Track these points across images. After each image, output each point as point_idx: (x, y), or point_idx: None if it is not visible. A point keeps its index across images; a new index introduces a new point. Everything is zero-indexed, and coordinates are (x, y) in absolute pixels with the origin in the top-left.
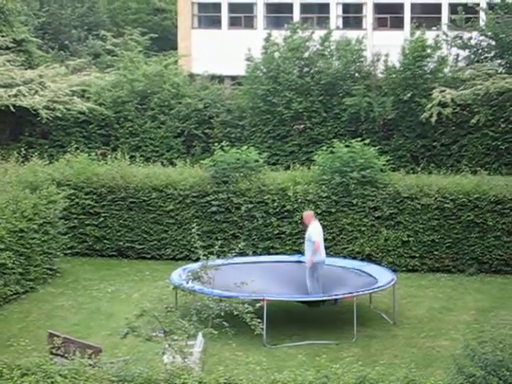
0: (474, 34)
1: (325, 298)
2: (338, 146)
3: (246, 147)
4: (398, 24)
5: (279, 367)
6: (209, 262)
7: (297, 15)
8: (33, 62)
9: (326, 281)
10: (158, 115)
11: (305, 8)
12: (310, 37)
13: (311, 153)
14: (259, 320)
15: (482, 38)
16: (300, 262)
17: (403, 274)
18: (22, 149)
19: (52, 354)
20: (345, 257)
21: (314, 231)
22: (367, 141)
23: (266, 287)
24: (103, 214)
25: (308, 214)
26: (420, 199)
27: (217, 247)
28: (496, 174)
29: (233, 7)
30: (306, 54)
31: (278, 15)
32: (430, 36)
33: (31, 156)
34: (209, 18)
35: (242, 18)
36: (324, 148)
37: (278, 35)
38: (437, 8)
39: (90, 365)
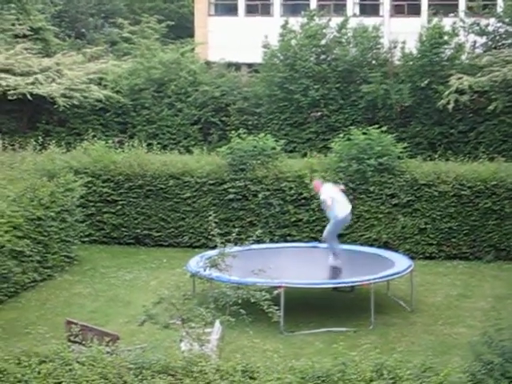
0: (492, 20)
1: (346, 285)
2: (355, 134)
3: (262, 135)
4: (415, 11)
5: (296, 355)
6: (226, 249)
7: (313, 2)
8: (50, 50)
9: (343, 267)
10: (175, 103)
11: None
12: (326, 24)
13: (328, 140)
14: (276, 307)
15: (499, 24)
16: (317, 247)
17: (420, 261)
18: (40, 137)
19: (70, 341)
20: (362, 244)
21: (325, 193)
22: (384, 128)
23: (284, 274)
24: (120, 202)
25: (316, 183)
26: (437, 186)
27: (234, 235)
28: None
29: None
30: (323, 42)
31: (295, 2)
32: (447, 23)
33: (48, 144)
34: (225, 5)
35: (258, 5)
36: (341, 135)
37: (295, 22)
38: None
39: (108, 352)
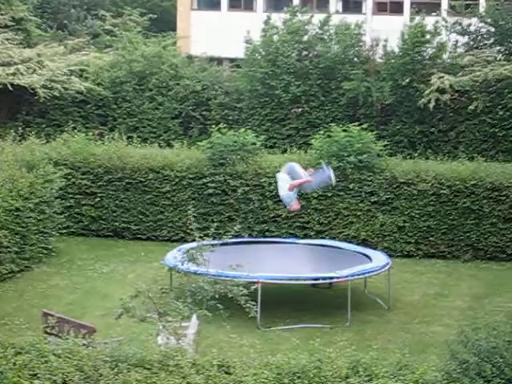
0: (474, 20)
1: (323, 282)
2: (335, 131)
3: (243, 130)
4: (397, 9)
5: (273, 350)
6: (204, 243)
7: None
8: (31, 41)
9: (321, 263)
10: (156, 96)
11: None
12: (309, 20)
13: (308, 136)
14: (253, 303)
15: (481, 24)
16: (295, 243)
17: (398, 259)
18: (19, 128)
19: (46, 333)
20: (340, 241)
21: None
22: (365, 125)
23: (261, 269)
24: (99, 194)
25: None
26: (416, 185)
27: (212, 229)
28: (493, 161)
29: None
30: (305, 38)
31: None
32: (429, 22)
33: (28, 135)
34: None
35: (241, 0)
36: (321, 132)
37: (278, 18)
38: None
39: (84, 344)
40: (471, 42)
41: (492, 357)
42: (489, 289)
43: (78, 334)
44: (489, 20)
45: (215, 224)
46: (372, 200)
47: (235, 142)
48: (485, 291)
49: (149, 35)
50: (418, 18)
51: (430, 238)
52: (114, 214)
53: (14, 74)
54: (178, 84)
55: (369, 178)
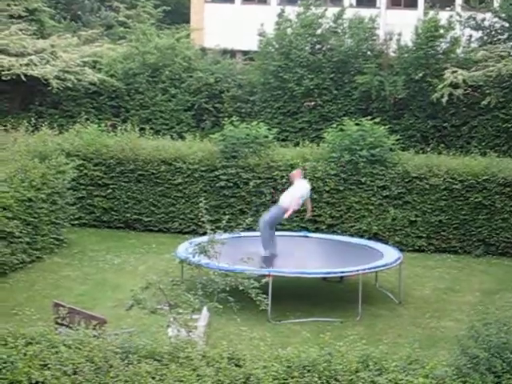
0: (488, 15)
1: (334, 276)
2: (347, 124)
3: (255, 123)
4: (411, 3)
5: (283, 343)
6: (216, 236)
7: None
8: (45, 32)
9: (332, 258)
10: (169, 88)
11: None
12: (323, 14)
13: (321, 130)
14: (264, 295)
15: (495, 19)
16: (307, 237)
17: (409, 253)
18: (32, 118)
19: (57, 323)
20: (351, 235)
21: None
22: (377, 119)
23: (273, 262)
24: (111, 186)
25: (295, 171)
26: (429, 179)
27: (224, 222)
28: (505, 157)
29: None
30: (319, 31)
31: None
32: (443, 16)
33: (41, 126)
34: None
35: None
36: (334, 125)
37: (291, 11)
38: None
39: (95, 336)
40: (485, 37)
41: (502, 352)
42: (500, 284)
43: (88, 324)
44: (503, 15)
45: (227, 217)
46: (384, 194)
47: (247, 135)
48: (496, 286)
49: (162, 27)
50: (432, 13)
51: (442, 233)
52: (126, 206)
53: (27, 65)
54: (191, 76)
55: (381, 172)
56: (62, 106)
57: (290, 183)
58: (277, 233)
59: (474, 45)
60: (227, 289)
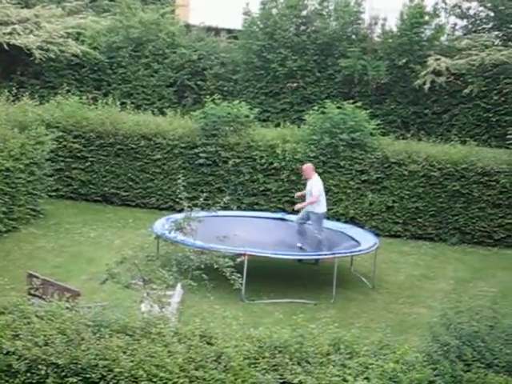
0: (474, 4)
1: (310, 258)
2: (329, 107)
3: (237, 102)
4: None
5: (255, 323)
6: (192, 213)
7: None
8: (29, 1)
9: (308, 240)
10: (152, 63)
11: None
12: None
13: (302, 112)
14: (239, 275)
15: (480, 8)
16: (284, 219)
17: (385, 238)
18: (13, 88)
19: (30, 294)
20: (328, 218)
21: (316, 185)
22: (359, 103)
23: (248, 242)
24: (90, 159)
25: (308, 166)
26: (407, 165)
27: (201, 200)
28: (485, 146)
29: None
30: (304, 13)
31: None
32: (429, 3)
33: (22, 96)
34: None
35: None
36: (315, 108)
37: None
38: None
39: (68, 308)
40: (470, 26)
41: (473, 341)
42: (474, 273)
43: (62, 297)
44: (488, 4)
45: (204, 194)
46: (362, 178)
47: (229, 114)
48: (470, 275)
49: (148, 2)
50: None
51: (418, 220)
52: (104, 179)
53: (10, 34)
54: (174, 52)
55: (360, 157)
56: (43, 76)
57: (305, 178)
58: (254, 213)
59: (458, 33)
60: (202, 266)
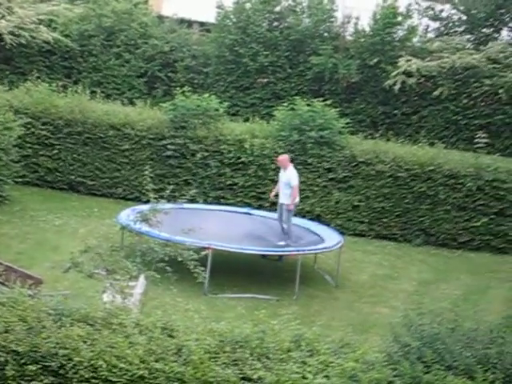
0: (447, 6)
1: (274, 254)
2: (299, 104)
3: (207, 95)
4: None
5: (218, 317)
6: (159, 205)
7: None
8: None
9: (273, 237)
10: (123, 53)
11: None
12: None
13: (272, 107)
14: (203, 268)
15: (453, 11)
16: (249, 214)
17: (350, 237)
18: None
19: None
20: (295, 215)
21: (294, 175)
22: (329, 101)
23: (213, 236)
24: (58, 147)
25: (285, 157)
26: (375, 165)
27: (168, 191)
28: (453, 148)
29: None
30: (278, 8)
31: None
32: (402, 4)
33: None
34: None
35: None
36: (285, 104)
37: None
38: None
39: (30, 295)
40: (442, 28)
41: (434, 342)
42: (437, 275)
43: (24, 284)
44: (461, 8)
45: (171, 186)
46: (329, 177)
47: (198, 107)
48: (433, 277)
49: None
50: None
51: (384, 220)
52: (71, 168)
53: None
54: (146, 43)
55: (328, 155)
56: (13, 62)
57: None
58: (220, 207)
59: (430, 35)
60: (166, 259)
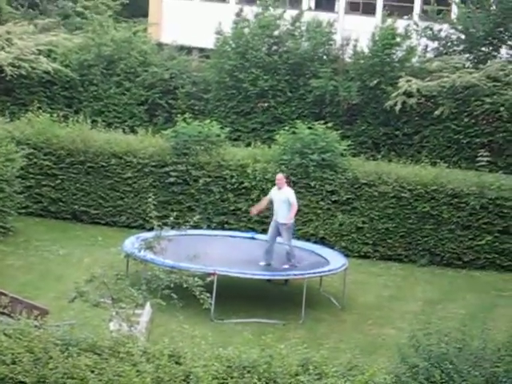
0: (445, 26)
1: (279, 278)
2: (300, 127)
3: (208, 121)
4: (370, 10)
5: (225, 343)
6: (162, 232)
7: None
8: (1, 18)
9: (277, 260)
10: (124, 81)
11: None
12: (281, 15)
13: (273, 132)
14: (208, 294)
15: (452, 30)
16: (254, 238)
17: (355, 259)
18: None
19: None
20: (298, 238)
21: (292, 194)
22: (330, 124)
23: (218, 261)
24: (60, 177)
25: (282, 177)
26: (378, 186)
27: (171, 218)
28: (455, 168)
29: None
30: (276, 33)
31: None
32: (400, 25)
33: None
34: None
35: None
36: (286, 128)
37: (250, 11)
38: None
39: (36, 326)
40: (441, 48)
41: (442, 362)
42: (443, 294)
43: (30, 314)
44: (460, 27)
45: (175, 213)
46: (333, 199)
47: (200, 133)
48: (439, 297)
49: (120, 20)
50: (389, 21)
51: (388, 241)
52: (74, 197)
53: None
54: (146, 71)
55: (331, 177)
56: (14, 93)
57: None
58: (224, 232)
59: (429, 55)
60: (171, 285)
